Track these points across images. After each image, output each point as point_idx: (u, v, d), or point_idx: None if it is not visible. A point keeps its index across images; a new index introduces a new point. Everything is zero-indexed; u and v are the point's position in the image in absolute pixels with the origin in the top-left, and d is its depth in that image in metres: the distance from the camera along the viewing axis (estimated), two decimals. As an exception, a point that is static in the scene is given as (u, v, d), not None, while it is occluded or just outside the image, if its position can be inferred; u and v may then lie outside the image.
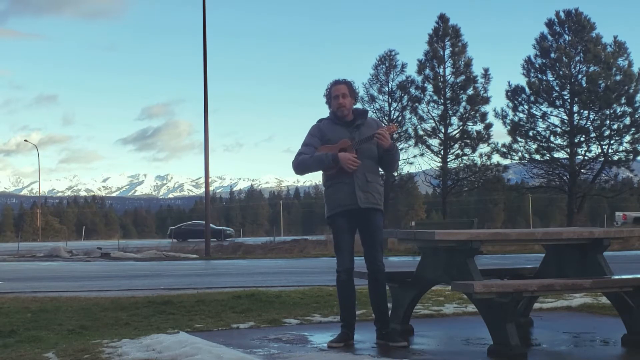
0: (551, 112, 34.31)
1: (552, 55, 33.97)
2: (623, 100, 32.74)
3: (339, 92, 5.23)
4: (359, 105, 5.53)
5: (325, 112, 5.42)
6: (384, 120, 34.06)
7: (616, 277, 5.08)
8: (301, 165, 5.21)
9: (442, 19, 35.81)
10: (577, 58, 33.70)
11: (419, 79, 35.97)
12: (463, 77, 35.31)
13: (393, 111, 36.36)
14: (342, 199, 5.14)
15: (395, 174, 35.12)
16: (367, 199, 5.13)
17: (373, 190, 5.16)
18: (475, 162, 35.49)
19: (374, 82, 36.77)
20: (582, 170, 34.39)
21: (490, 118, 35.03)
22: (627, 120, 32.99)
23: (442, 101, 35.41)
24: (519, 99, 34.53)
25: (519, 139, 34.40)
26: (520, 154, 34.67)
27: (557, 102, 34.01)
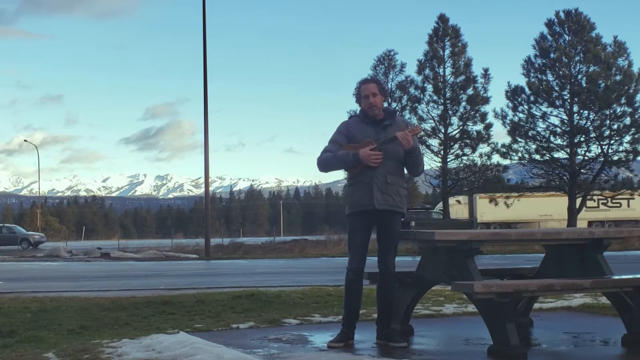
0: (551, 112, 34.27)
1: (552, 55, 33.92)
2: (623, 100, 32.70)
3: (369, 91, 5.17)
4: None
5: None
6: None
7: (616, 277, 5.08)
8: (323, 163, 5.21)
9: (442, 19, 35.79)
10: (577, 58, 33.65)
11: (418, 79, 35.94)
12: (463, 77, 35.29)
13: (393, 111, 36.35)
14: (360, 199, 5.12)
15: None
16: (385, 201, 5.08)
17: (392, 193, 5.10)
18: (475, 162, 35.47)
19: (374, 82, 36.73)
20: (582, 170, 34.36)
21: (490, 118, 35.00)
22: (627, 120, 32.95)
23: (442, 101, 35.39)
24: (519, 99, 34.48)
25: (519, 139, 34.35)
26: (520, 154, 34.62)
27: (557, 102, 33.97)
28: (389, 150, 5.08)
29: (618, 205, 56.61)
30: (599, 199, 55.80)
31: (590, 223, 55.99)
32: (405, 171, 5.33)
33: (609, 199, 55.52)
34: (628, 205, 56.44)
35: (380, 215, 5.12)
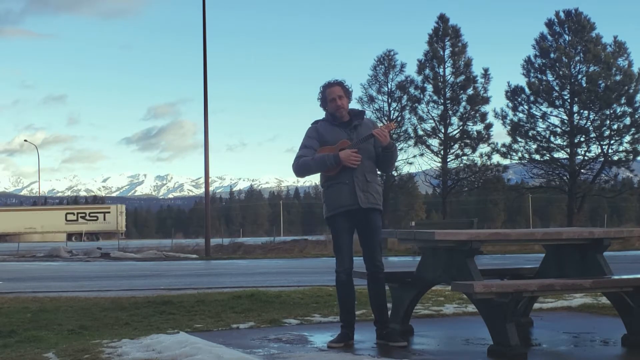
0: (551, 112, 34.28)
1: (552, 55, 33.93)
2: (623, 100, 32.70)
3: (335, 95, 5.19)
4: (358, 106, 5.53)
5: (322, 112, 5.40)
6: (383, 120, 34.02)
7: (616, 277, 5.08)
8: (302, 168, 5.19)
9: (442, 19, 35.78)
10: (577, 58, 33.65)
11: (418, 79, 35.95)
12: (463, 77, 35.28)
13: (392, 111, 36.35)
14: (343, 200, 5.12)
15: (395, 173, 35.14)
16: (368, 199, 5.12)
17: (372, 190, 5.15)
18: (475, 162, 35.47)
19: (373, 82, 36.71)
20: (582, 170, 34.35)
21: (490, 118, 35.01)
22: (627, 120, 32.95)
23: (442, 101, 35.38)
24: (519, 99, 34.49)
25: (519, 139, 34.36)
26: (520, 154, 34.64)
27: (557, 102, 33.97)
28: (363, 149, 5.13)
29: (95, 218, 58.72)
30: (78, 213, 58.54)
31: (69, 235, 56.45)
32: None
33: (87, 213, 58.80)
34: (104, 219, 58.62)
35: (363, 214, 5.14)
